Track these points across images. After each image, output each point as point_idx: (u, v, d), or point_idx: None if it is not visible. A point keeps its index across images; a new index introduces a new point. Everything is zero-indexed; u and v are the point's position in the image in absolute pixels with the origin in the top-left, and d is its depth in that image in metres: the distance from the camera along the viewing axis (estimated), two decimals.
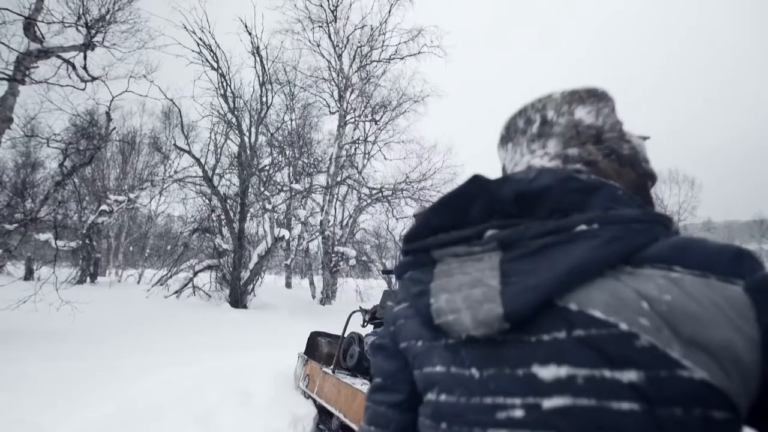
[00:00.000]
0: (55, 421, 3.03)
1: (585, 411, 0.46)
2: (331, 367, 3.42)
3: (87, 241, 11.63)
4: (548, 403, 0.48)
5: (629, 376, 0.45)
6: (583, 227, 0.51)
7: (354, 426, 2.78)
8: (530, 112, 0.69)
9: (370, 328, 3.82)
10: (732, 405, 0.44)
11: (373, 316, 3.66)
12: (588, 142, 0.65)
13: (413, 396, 0.65)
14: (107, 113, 7.81)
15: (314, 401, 3.51)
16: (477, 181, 0.58)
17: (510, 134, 0.71)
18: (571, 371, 0.47)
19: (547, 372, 0.49)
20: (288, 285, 20.04)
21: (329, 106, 16.35)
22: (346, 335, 3.55)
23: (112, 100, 7.75)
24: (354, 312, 3.67)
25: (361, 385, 3.03)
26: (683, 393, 0.44)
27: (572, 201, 0.54)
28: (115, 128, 9.23)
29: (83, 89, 7.35)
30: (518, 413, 0.49)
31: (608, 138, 0.65)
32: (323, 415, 3.43)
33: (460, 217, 0.59)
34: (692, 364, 0.44)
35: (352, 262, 14.48)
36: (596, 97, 0.67)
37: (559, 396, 0.47)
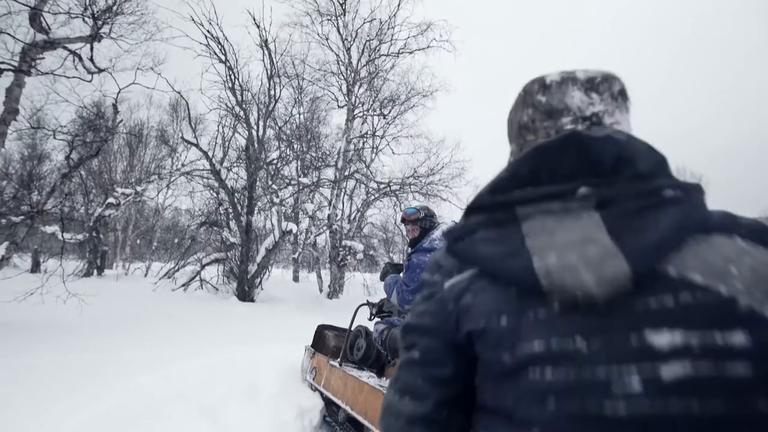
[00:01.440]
0: (62, 414, 3.00)
1: (705, 380, 0.47)
2: (338, 360, 3.38)
3: (94, 234, 11.68)
4: (667, 371, 0.47)
5: (737, 338, 0.47)
6: (669, 192, 0.53)
7: (360, 418, 2.76)
8: (611, 81, 0.66)
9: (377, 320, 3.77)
10: None
11: (380, 310, 3.61)
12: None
13: (459, 373, 0.63)
14: (114, 105, 7.76)
15: (321, 394, 3.48)
16: (577, 137, 0.56)
17: (598, 87, 0.65)
18: (685, 337, 0.48)
19: (661, 338, 0.48)
20: (295, 279, 20.08)
21: (337, 100, 16.26)
22: (353, 328, 3.51)
23: (119, 92, 7.69)
24: (361, 305, 3.63)
25: (368, 378, 3.01)
26: None
27: (654, 168, 0.56)
28: (122, 120, 9.18)
29: (90, 81, 7.32)
30: (636, 385, 0.48)
31: None
32: (330, 407, 3.41)
33: (546, 171, 0.56)
34: None
35: (360, 256, 14.44)
36: None
37: (677, 362, 0.47)
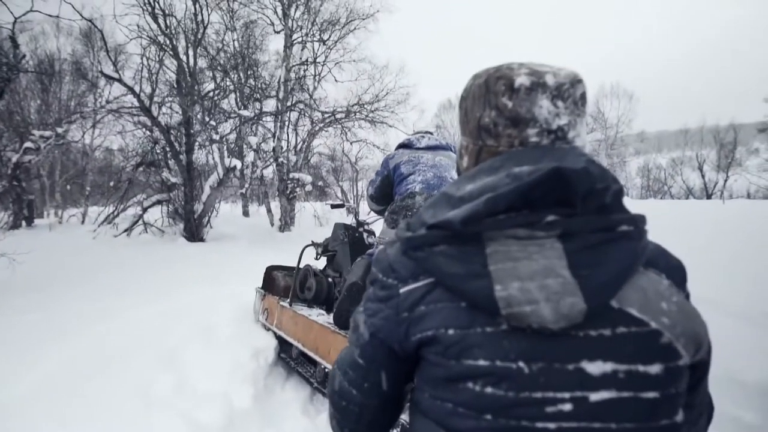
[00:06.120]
0: (12, 374, 2.92)
1: (624, 401, 0.54)
2: (288, 300, 3.49)
3: (15, 183, 10.74)
4: (595, 396, 0.53)
5: (655, 369, 0.55)
6: (624, 228, 0.57)
7: (311, 354, 2.92)
8: (576, 86, 0.64)
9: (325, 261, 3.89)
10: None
11: (325, 249, 3.74)
12: None
13: (399, 379, 0.68)
14: (12, 38, 6.78)
15: (274, 333, 3.61)
16: (559, 172, 0.55)
17: (564, 94, 0.63)
18: (615, 366, 0.54)
19: (595, 367, 0.54)
20: (245, 213, 19.76)
21: (273, 24, 15.10)
22: (301, 267, 3.60)
23: (15, 21, 6.67)
24: (306, 246, 3.72)
25: (317, 315, 3.13)
26: (681, 377, 0.57)
27: (613, 200, 0.59)
28: (25, 56, 8.09)
29: None
30: (567, 407, 0.54)
31: None
32: (283, 345, 3.55)
33: (521, 202, 0.57)
34: (685, 353, 0.57)
35: (309, 187, 14.32)
36: None
37: (605, 390, 0.54)
